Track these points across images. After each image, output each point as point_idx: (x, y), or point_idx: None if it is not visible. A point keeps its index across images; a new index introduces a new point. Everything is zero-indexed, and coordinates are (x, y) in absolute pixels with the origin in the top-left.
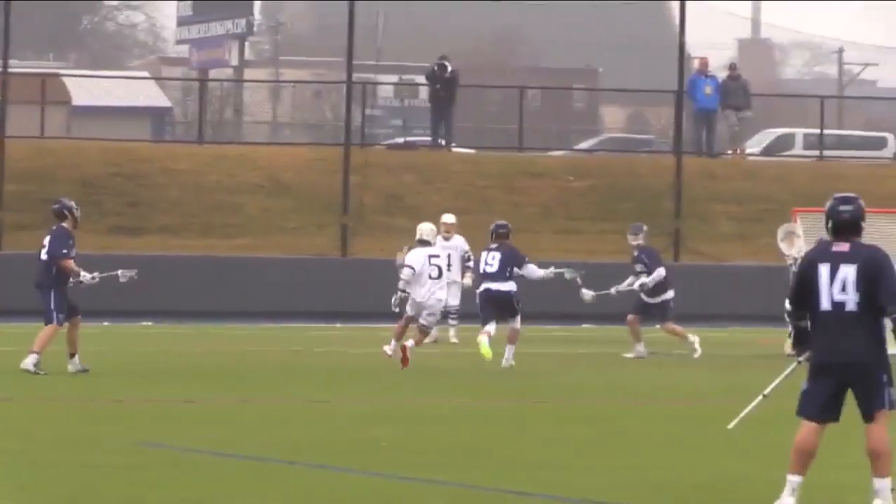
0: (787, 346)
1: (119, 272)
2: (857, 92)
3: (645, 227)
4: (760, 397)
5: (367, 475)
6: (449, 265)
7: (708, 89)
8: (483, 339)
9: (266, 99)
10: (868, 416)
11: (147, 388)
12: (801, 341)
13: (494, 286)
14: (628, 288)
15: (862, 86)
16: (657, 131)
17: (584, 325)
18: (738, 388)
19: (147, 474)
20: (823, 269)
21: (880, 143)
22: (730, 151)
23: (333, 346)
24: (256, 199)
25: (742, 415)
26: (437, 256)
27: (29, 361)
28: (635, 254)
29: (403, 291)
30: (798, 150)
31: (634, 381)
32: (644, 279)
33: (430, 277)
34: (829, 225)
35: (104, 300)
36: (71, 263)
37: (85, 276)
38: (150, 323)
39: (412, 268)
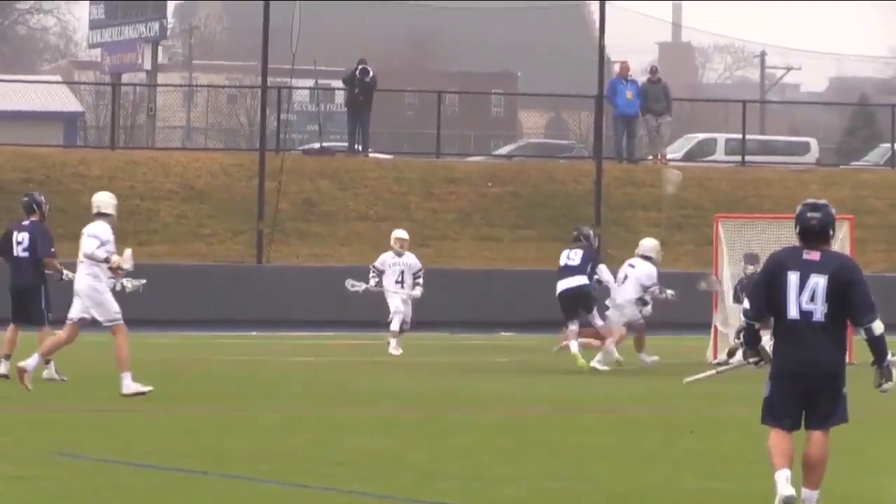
0: (709, 354)
1: (124, 281)
2: (779, 96)
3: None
4: (713, 372)
5: (283, 486)
6: (402, 281)
7: (628, 94)
8: (575, 349)
9: (180, 103)
10: (819, 426)
11: (63, 397)
12: (751, 342)
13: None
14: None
15: (785, 90)
16: (577, 136)
17: (500, 333)
18: (660, 397)
19: (60, 485)
20: (793, 277)
21: (804, 148)
22: (650, 157)
23: (250, 354)
24: (170, 206)
25: (696, 377)
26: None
27: (49, 371)
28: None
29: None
30: (720, 155)
31: (557, 390)
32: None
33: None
34: (798, 230)
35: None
36: (57, 262)
37: (67, 274)
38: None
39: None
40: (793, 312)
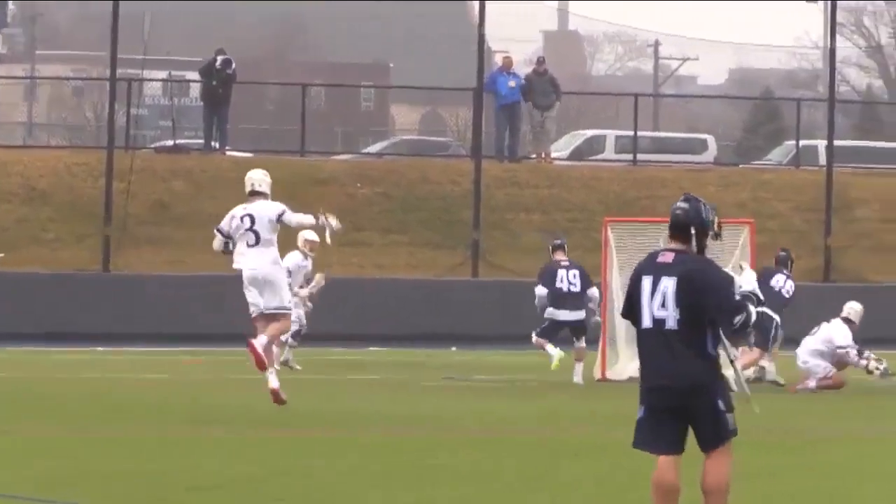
0: (596, 371)
1: None
2: (674, 89)
3: None
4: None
5: None
6: (305, 286)
7: (512, 84)
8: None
9: (21, 97)
10: (705, 450)
11: None
12: None
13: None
14: None
15: (680, 83)
16: (454, 133)
17: (370, 349)
18: (544, 416)
19: None
20: (646, 283)
21: (700, 146)
22: (534, 155)
23: (96, 371)
24: (10, 208)
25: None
26: None
27: None
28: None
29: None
30: (609, 153)
31: (434, 409)
32: None
33: None
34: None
35: None
36: None
37: None
38: None
39: None
40: (646, 321)
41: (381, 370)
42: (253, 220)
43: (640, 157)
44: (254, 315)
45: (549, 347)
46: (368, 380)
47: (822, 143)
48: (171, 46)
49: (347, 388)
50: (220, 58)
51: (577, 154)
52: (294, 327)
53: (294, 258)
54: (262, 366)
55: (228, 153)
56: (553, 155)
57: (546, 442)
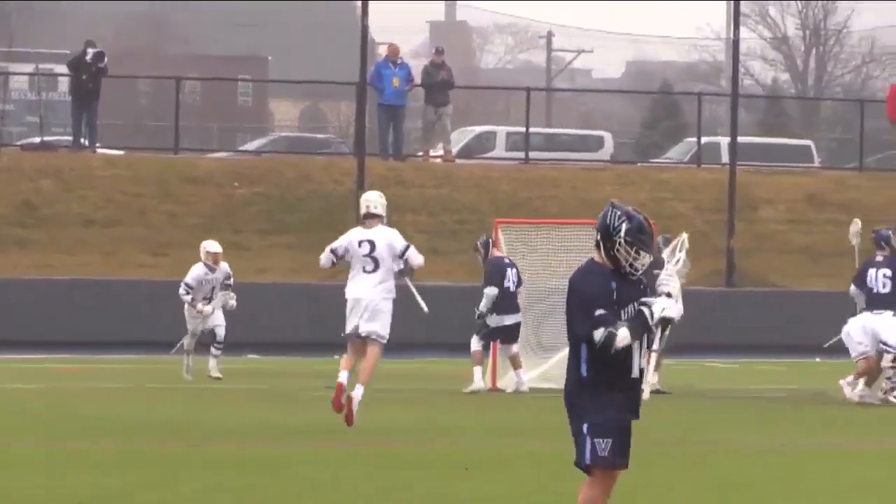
0: (487, 379)
1: None
2: (569, 83)
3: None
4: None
5: None
6: (211, 298)
7: (395, 81)
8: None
9: None
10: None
11: None
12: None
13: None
14: None
15: (575, 76)
16: (336, 130)
17: (248, 356)
18: (428, 426)
19: None
20: None
21: (596, 144)
22: (421, 153)
23: None
24: None
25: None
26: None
27: None
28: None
29: None
30: (500, 151)
31: (306, 421)
32: None
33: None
34: None
35: None
36: None
37: None
38: None
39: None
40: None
41: (262, 380)
42: (373, 247)
43: (532, 154)
44: (349, 337)
45: (478, 375)
46: (248, 390)
47: (724, 140)
48: (39, 38)
49: (225, 398)
50: (90, 50)
51: (466, 152)
52: (221, 333)
53: (196, 271)
54: (338, 408)
55: (99, 151)
56: (440, 152)
57: (415, 454)
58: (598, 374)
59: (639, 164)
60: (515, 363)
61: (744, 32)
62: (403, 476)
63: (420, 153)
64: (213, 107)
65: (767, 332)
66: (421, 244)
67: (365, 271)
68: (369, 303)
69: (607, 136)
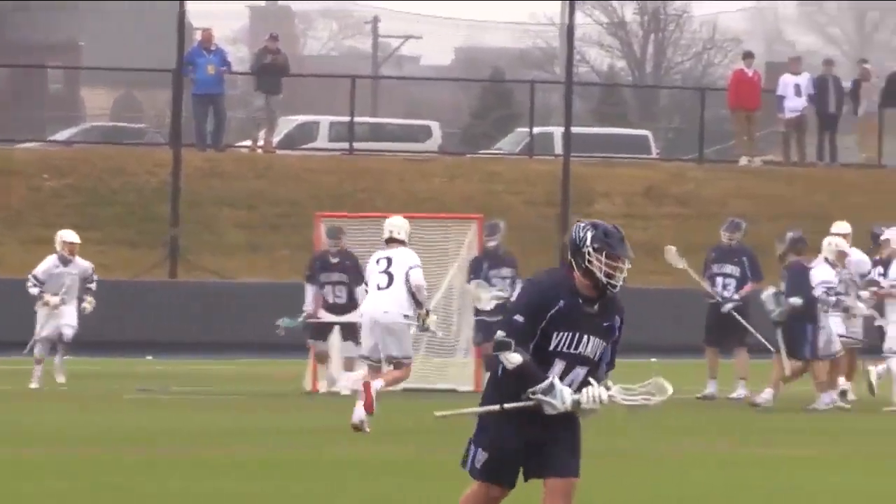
0: (307, 383)
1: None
2: (396, 71)
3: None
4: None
5: None
6: (66, 292)
7: (210, 68)
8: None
9: None
10: None
11: None
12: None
13: None
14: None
15: (402, 63)
16: (151, 119)
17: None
18: (249, 432)
19: None
20: None
21: (423, 134)
22: (249, 143)
23: None
24: None
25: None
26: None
27: None
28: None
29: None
30: (323, 141)
31: (120, 425)
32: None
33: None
34: None
35: None
36: None
37: None
38: None
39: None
40: None
41: (71, 381)
42: (390, 262)
43: (357, 145)
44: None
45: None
46: (58, 392)
47: (558, 130)
48: None
49: (30, 400)
50: None
51: (287, 142)
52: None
53: (47, 263)
54: (369, 409)
55: None
56: (261, 143)
57: (231, 461)
58: (509, 383)
59: (468, 156)
60: (347, 364)
61: (579, 17)
62: (190, 477)
63: (243, 143)
64: (22, 95)
65: (631, 333)
66: (239, 240)
67: (379, 287)
68: (389, 323)
69: (435, 126)
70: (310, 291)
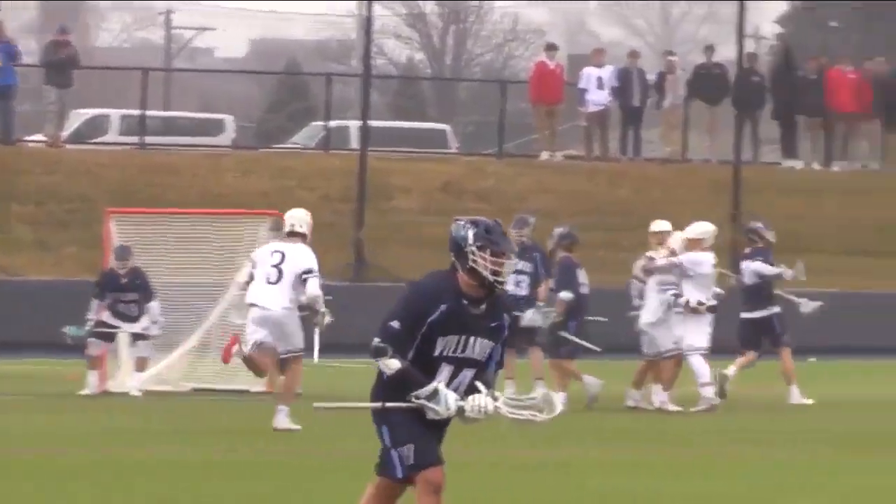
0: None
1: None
2: (189, 63)
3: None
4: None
5: None
6: None
7: None
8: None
9: None
10: None
11: None
12: None
13: None
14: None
15: (195, 56)
16: None
17: None
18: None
19: None
20: None
21: (216, 128)
22: (41, 137)
23: None
24: None
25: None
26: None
27: None
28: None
29: None
30: (114, 135)
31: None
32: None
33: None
34: None
35: None
36: None
37: None
38: None
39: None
40: None
41: None
42: (283, 258)
43: (148, 139)
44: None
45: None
46: None
47: (354, 124)
48: None
49: None
50: None
51: (76, 136)
52: None
53: None
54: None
55: None
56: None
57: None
58: (389, 385)
59: (261, 150)
60: (139, 364)
61: (377, 9)
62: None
63: (34, 138)
64: None
65: None
66: (27, 237)
67: (268, 282)
68: (278, 318)
69: (228, 120)
70: (95, 305)
